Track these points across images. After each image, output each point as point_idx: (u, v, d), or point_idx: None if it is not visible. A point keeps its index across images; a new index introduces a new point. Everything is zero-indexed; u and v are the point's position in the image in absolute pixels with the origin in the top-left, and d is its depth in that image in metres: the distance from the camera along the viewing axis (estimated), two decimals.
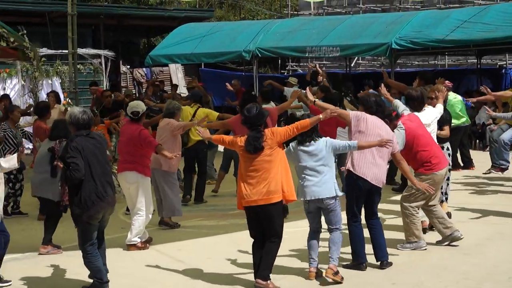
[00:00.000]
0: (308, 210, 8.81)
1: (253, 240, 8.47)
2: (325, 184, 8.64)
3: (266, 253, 8.33)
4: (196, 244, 10.72)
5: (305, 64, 33.80)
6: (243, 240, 10.01)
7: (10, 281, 8.87)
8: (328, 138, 8.84)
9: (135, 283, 8.83)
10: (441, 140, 10.85)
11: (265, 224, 8.36)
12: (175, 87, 26.32)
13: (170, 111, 11.77)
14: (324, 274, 8.63)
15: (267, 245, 8.34)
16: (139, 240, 10.53)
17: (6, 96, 18.12)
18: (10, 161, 8.78)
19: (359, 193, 9.05)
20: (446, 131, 11.16)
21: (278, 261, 8.58)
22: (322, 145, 8.68)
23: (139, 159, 10.53)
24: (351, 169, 9.00)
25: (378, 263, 9.11)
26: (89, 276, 8.61)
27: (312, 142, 8.68)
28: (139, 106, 10.75)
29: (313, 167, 8.66)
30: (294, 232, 10.26)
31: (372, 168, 8.96)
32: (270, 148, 8.25)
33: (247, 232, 9.87)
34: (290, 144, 8.74)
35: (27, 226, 12.21)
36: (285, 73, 32.79)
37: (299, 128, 8.37)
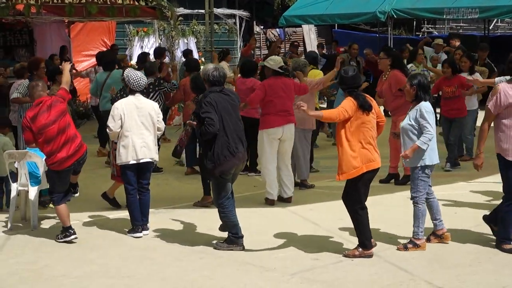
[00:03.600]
0: (430, 174, 8.52)
1: (364, 206, 8.22)
2: None
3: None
4: (328, 205, 10.65)
5: (441, 26, 32.96)
6: (374, 202, 9.93)
7: None
8: None
9: (268, 240, 8.87)
10: None
11: (367, 188, 8.32)
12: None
13: (298, 69, 11.64)
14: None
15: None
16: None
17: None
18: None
19: None
20: None
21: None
22: None
23: (294, 112, 10.69)
24: None
25: None
26: (220, 229, 8.77)
27: None
28: (282, 61, 10.97)
29: None
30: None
31: None
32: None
33: (378, 195, 9.79)
34: (429, 106, 8.39)
35: (162, 181, 12.49)
36: (420, 35, 32.06)
37: None
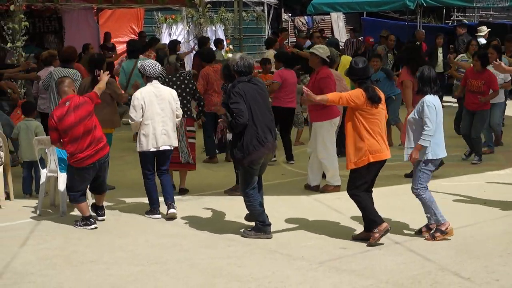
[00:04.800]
0: (433, 169, 8.50)
1: (366, 192, 8.31)
2: None
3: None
4: None
5: (471, 14, 32.67)
6: (402, 191, 9.92)
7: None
8: None
9: (295, 229, 8.90)
10: None
11: (374, 177, 8.37)
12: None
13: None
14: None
15: (371, 197, 8.37)
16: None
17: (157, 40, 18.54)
18: None
19: None
20: None
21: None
22: None
23: None
24: None
25: None
26: (245, 218, 8.81)
27: None
28: (329, 50, 10.91)
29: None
30: None
31: None
32: None
33: (406, 185, 9.72)
34: (432, 100, 8.29)
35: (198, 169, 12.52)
36: (449, 23, 31.81)
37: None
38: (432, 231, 8.40)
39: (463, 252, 7.95)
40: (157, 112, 9.34)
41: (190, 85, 10.75)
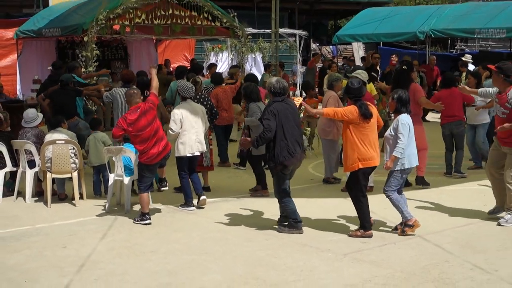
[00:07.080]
0: (405, 177, 8.47)
1: (364, 195, 8.30)
2: None
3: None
4: (375, 197, 10.17)
5: (472, 44, 32.41)
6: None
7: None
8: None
9: (323, 225, 8.85)
10: None
11: (367, 180, 8.47)
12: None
13: (329, 82, 11.62)
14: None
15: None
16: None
17: (214, 65, 18.60)
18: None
19: None
20: None
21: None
22: None
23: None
24: None
25: None
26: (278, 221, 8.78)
27: None
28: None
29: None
30: None
31: None
32: None
33: (417, 191, 9.62)
34: (406, 119, 8.26)
35: (233, 174, 12.54)
36: (453, 52, 31.57)
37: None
38: (402, 228, 8.37)
39: (466, 247, 7.88)
40: (192, 124, 9.73)
41: (210, 102, 10.92)
